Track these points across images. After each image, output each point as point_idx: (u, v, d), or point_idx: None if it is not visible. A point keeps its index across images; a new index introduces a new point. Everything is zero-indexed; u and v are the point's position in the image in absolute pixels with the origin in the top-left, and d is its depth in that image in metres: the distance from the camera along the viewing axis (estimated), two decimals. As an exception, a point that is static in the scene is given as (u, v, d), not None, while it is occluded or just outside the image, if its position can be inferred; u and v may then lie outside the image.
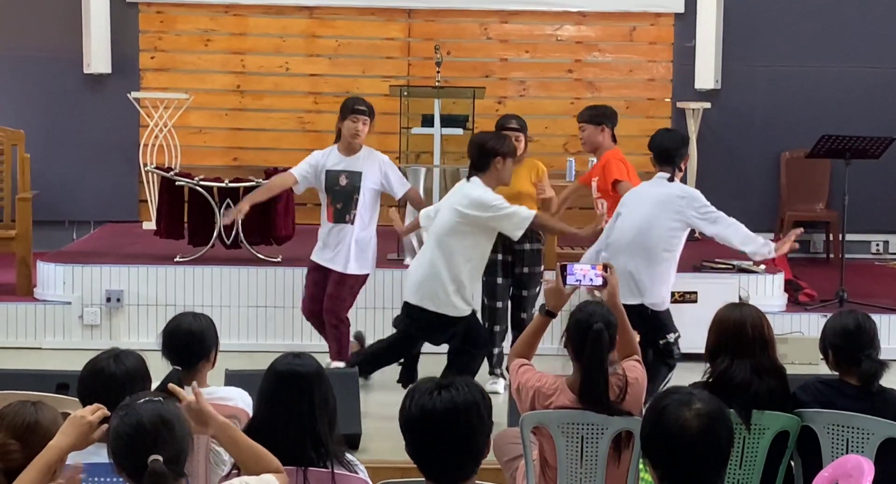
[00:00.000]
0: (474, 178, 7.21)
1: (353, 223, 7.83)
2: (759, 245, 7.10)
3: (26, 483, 3.53)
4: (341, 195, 7.84)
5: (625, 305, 6.74)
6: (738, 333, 5.12)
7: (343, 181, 7.83)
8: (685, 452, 3.25)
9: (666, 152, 7.34)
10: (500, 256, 7.83)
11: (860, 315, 5.21)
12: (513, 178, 7.73)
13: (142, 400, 3.49)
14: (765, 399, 5.04)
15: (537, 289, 7.91)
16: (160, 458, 3.32)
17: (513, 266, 7.90)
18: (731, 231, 7.12)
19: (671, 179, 7.26)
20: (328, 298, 7.90)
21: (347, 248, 7.84)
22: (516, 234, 7.29)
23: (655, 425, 3.31)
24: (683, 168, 7.46)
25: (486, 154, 7.23)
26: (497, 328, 7.91)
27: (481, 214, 7.10)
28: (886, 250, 12.07)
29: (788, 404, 5.10)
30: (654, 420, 3.32)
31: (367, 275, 8.05)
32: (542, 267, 8.01)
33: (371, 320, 9.16)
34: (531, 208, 7.52)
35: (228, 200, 9.35)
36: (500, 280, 7.88)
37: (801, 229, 7.42)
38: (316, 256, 8.00)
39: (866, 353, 5.07)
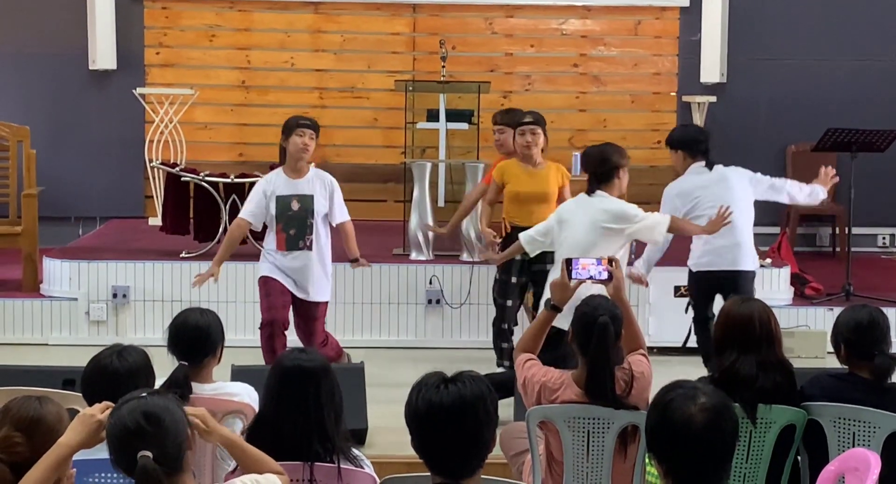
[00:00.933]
0: (600, 192, 7.03)
1: (310, 249, 7.47)
2: (817, 195, 7.80)
3: (35, 480, 3.53)
4: (295, 221, 7.45)
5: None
6: (745, 328, 5.10)
7: (295, 206, 7.46)
8: (690, 446, 3.25)
9: (697, 143, 7.72)
10: (518, 256, 7.67)
11: (873, 310, 5.19)
12: (542, 180, 7.73)
13: (128, 398, 3.47)
14: (771, 394, 5.03)
15: None
16: (149, 454, 3.30)
17: (532, 263, 7.68)
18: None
19: (709, 165, 7.67)
20: (305, 334, 7.58)
21: (309, 275, 7.49)
22: (659, 240, 7.21)
23: (660, 419, 3.31)
24: None
25: (612, 167, 7.06)
26: (506, 326, 7.87)
27: (626, 226, 6.97)
28: (893, 243, 12.06)
29: (795, 400, 5.09)
30: (659, 414, 3.31)
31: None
32: None
33: (377, 315, 9.16)
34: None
35: (234, 197, 9.34)
36: (513, 279, 7.80)
37: (832, 169, 7.81)
38: (279, 276, 7.51)
39: (879, 348, 5.06)
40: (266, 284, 7.54)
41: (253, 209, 7.52)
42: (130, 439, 3.33)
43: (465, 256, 9.29)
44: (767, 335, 5.10)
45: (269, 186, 7.51)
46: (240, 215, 7.63)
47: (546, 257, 7.71)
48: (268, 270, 7.54)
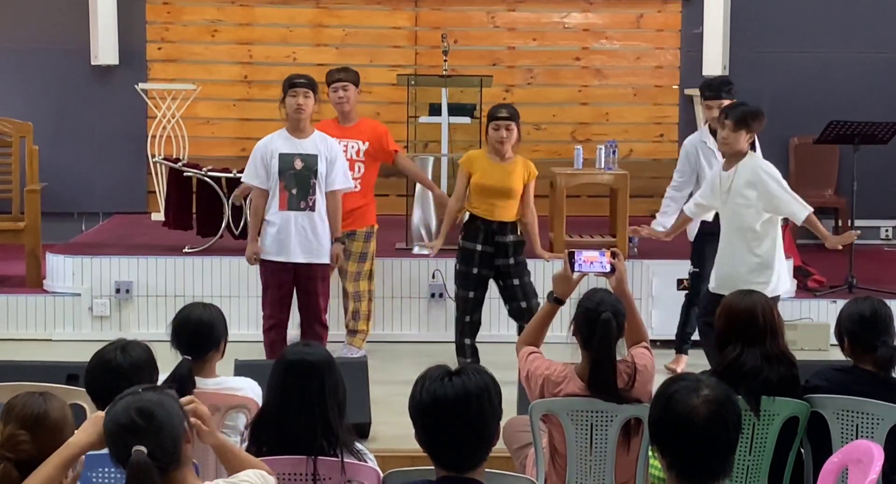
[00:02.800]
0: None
1: (313, 209, 7.34)
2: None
3: (43, 478, 3.53)
4: (296, 180, 7.34)
5: None
6: (748, 321, 5.10)
7: (298, 164, 7.33)
8: (692, 438, 3.25)
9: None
10: (479, 247, 7.80)
11: (876, 301, 5.20)
12: (507, 175, 7.72)
13: (124, 395, 3.47)
14: (774, 386, 5.03)
15: (529, 277, 7.85)
16: (143, 449, 3.29)
17: (494, 257, 7.80)
18: None
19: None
20: (313, 299, 7.41)
21: (312, 235, 7.34)
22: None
23: (663, 412, 3.31)
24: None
25: None
26: (468, 318, 7.88)
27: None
28: (895, 236, 12.05)
29: (798, 392, 5.09)
30: (662, 407, 3.31)
31: None
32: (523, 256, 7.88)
33: (380, 310, 9.15)
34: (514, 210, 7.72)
35: (236, 191, 9.34)
36: (474, 270, 7.81)
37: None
38: (273, 255, 7.39)
39: (882, 339, 5.06)
40: (265, 273, 7.48)
41: (258, 171, 7.40)
42: (124, 435, 3.33)
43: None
44: (771, 327, 5.10)
45: (270, 145, 7.42)
46: (250, 184, 7.50)
47: (509, 251, 7.73)
48: (266, 248, 7.39)
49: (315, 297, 7.44)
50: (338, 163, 7.44)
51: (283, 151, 7.37)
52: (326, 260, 7.44)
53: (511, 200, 7.72)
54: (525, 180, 7.78)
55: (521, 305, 7.81)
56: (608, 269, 5.25)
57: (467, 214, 7.91)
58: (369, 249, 8.40)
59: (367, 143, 8.27)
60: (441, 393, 3.42)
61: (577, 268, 5.24)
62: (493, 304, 8.21)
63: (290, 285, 7.43)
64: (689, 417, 3.24)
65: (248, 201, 8.88)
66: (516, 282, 7.81)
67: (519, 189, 7.74)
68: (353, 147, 8.30)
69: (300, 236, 7.34)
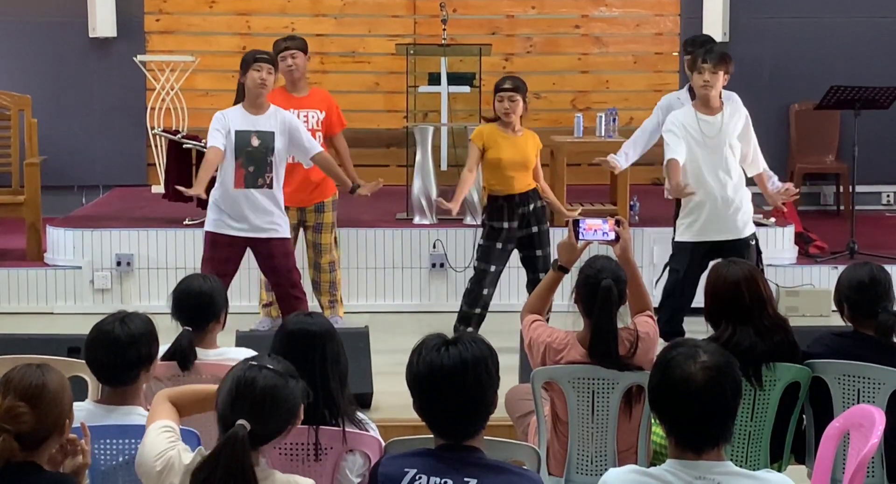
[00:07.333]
0: None
1: (270, 187, 7.24)
2: None
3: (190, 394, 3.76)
4: (254, 157, 7.23)
5: None
6: (735, 298, 5.02)
7: (255, 142, 7.21)
8: (690, 405, 3.25)
9: None
10: (506, 224, 7.76)
11: (874, 267, 5.18)
12: (522, 147, 7.70)
13: (272, 363, 3.52)
14: (772, 354, 5.01)
15: (550, 248, 7.82)
16: (247, 426, 3.33)
17: (518, 230, 7.76)
18: None
19: None
20: (285, 273, 7.37)
21: (272, 212, 7.27)
22: None
23: (661, 378, 3.31)
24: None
25: None
26: (485, 291, 7.81)
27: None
28: (896, 201, 12.06)
29: (797, 355, 5.08)
30: (660, 373, 3.31)
31: None
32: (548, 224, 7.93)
33: (381, 280, 9.16)
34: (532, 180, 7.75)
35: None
36: (499, 245, 7.78)
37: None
38: (227, 229, 7.30)
39: (882, 305, 5.05)
40: (213, 245, 7.34)
41: (220, 138, 7.24)
42: (245, 400, 3.40)
43: (468, 220, 9.28)
44: (758, 299, 5.04)
45: (224, 122, 7.28)
46: (210, 144, 7.31)
47: (531, 221, 7.71)
48: (214, 224, 7.33)
49: (286, 272, 7.38)
50: (299, 135, 7.36)
51: (239, 128, 7.25)
52: (283, 235, 7.35)
53: (527, 171, 7.73)
54: (535, 152, 7.79)
55: (539, 276, 7.65)
56: (612, 237, 5.23)
57: (486, 196, 7.87)
58: (334, 219, 8.40)
59: (323, 113, 8.23)
60: (438, 363, 3.43)
61: (580, 236, 5.23)
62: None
63: (237, 261, 7.35)
64: (686, 384, 3.24)
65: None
66: (538, 252, 7.76)
67: (533, 160, 7.76)
68: (312, 117, 8.24)
69: (258, 213, 7.25)
